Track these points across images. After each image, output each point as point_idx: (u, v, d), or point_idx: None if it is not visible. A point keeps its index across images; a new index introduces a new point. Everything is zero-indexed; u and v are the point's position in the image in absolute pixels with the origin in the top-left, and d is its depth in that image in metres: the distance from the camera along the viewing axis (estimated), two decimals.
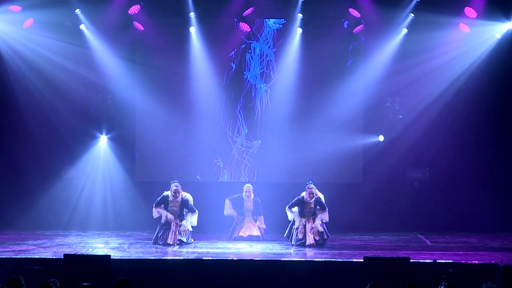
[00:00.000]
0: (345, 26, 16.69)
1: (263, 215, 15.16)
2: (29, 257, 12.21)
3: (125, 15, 16.32)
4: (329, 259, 12.39)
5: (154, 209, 14.55)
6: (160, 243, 14.23)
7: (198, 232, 14.97)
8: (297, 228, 14.35)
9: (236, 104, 17.10)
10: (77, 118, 16.92)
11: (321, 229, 14.27)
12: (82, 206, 17.05)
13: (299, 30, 16.73)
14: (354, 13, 16.38)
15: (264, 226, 15.10)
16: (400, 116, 17.01)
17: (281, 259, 12.63)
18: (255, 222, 15.09)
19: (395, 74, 16.62)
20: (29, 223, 16.60)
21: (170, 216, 14.37)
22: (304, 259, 12.62)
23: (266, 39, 17.04)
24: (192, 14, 16.45)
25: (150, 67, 16.92)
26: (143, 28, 16.67)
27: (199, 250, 13.64)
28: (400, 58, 16.55)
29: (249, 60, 17.08)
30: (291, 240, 14.39)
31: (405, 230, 16.38)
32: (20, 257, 12.18)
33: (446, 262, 11.92)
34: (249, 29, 16.82)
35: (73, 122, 16.90)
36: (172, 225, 14.30)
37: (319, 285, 11.66)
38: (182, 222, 14.43)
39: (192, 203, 14.69)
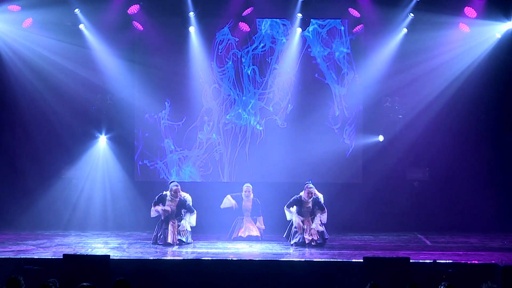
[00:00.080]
0: (344, 26, 16.71)
1: (262, 216, 15.13)
2: (28, 257, 12.18)
3: (124, 15, 16.29)
4: (328, 259, 12.38)
5: (152, 208, 14.51)
6: (160, 243, 14.22)
7: (197, 232, 14.96)
8: (295, 228, 14.34)
9: (237, 103, 17.08)
10: (77, 118, 16.91)
11: (321, 228, 14.25)
12: (81, 206, 17.04)
13: (298, 30, 16.72)
14: (354, 12, 16.37)
15: (263, 227, 15.08)
16: (400, 116, 17.00)
17: (281, 259, 12.61)
18: (255, 223, 15.06)
19: (395, 74, 16.61)
20: (28, 223, 16.59)
21: (167, 208, 14.30)
22: (303, 259, 12.59)
23: (266, 40, 17.01)
24: (191, 14, 16.43)
25: (149, 67, 16.91)
26: (142, 28, 16.65)
27: (199, 250, 13.62)
28: (400, 57, 16.54)
29: (249, 60, 17.06)
30: (290, 240, 14.37)
31: (405, 230, 16.37)
32: (19, 257, 12.16)
33: (446, 262, 11.90)
34: (249, 29, 16.81)
35: (73, 122, 16.89)
36: (170, 225, 14.28)
37: (319, 285, 11.64)
38: (181, 222, 14.41)
39: (191, 204, 14.67)
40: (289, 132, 17.04)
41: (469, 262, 11.98)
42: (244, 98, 17.08)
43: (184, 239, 14.35)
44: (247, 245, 14.31)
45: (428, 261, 11.87)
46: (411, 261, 11.46)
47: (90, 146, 17.13)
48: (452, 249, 13.83)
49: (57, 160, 17.05)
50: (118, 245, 14.15)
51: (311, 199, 14.40)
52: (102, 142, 17.20)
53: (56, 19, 16.11)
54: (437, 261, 11.74)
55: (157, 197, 14.55)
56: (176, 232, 14.30)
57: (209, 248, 13.98)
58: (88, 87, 16.79)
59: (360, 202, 16.81)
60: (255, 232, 14.95)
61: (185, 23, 16.56)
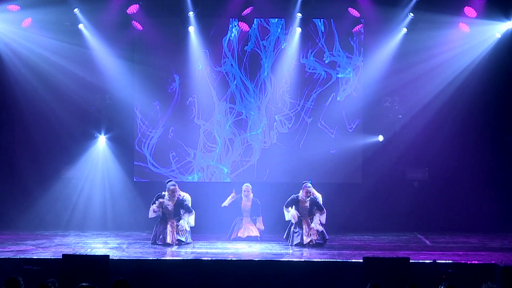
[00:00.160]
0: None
1: (262, 216, 15.11)
2: (27, 257, 12.18)
3: (123, 15, 16.28)
4: (328, 260, 12.36)
5: (151, 207, 14.49)
6: (159, 243, 14.20)
7: (197, 232, 14.95)
8: (294, 228, 14.33)
9: (237, 103, 17.07)
10: (76, 118, 16.90)
11: (320, 228, 14.23)
12: (81, 206, 17.03)
13: (298, 30, 16.71)
14: (354, 12, 16.36)
15: (263, 227, 15.05)
16: (400, 116, 16.98)
17: (280, 259, 12.60)
18: (254, 223, 15.04)
19: (395, 73, 16.60)
20: (28, 223, 16.59)
21: (161, 200, 14.26)
22: (303, 260, 12.59)
23: (265, 40, 17.00)
24: (191, 14, 16.42)
25: (149, 66, 16.89)
26: (142, 28, 16.64)
27: (198, 250, 13.61)
28: (399, 57, 16.52)
29: (249, 60, 17.05)
30: (289, 241, 14.35)
31: (404, 230, 16.35)
32: (18, 257, 12.15)
33: (446, 262, 11.89)
34: (248, 29, 16.80)
35: (72, 122, 16.88)
36: (168, 225, 14.26)
37: (318, 286, 11.62)
38: (180, 222, 14.39)
39: (189, 203, 14.65)
40: (289, 132, 17.02)
41: (469, 262, 11.98)
42: (244, 98, 17.05)
43: (183, 239, 14.33)
44: (247, 245, 14.30)
45: (428, 261, 11.86)
46: (411, 261, 11.47)
47: (90, 146, 17.12)
48: (452, 249, 13.82)
49: (56, 160, 17.04)
50: (118, 245, 14.14)
51: (309, 198, 14.38)
52: (101, 142, 17.18)
53: (56, 19, 16.10)
54: (437, 261, 11.72)
55: (155, 197, 14.53)
56: (175, 232, 14.29)
57: (209, 248, 13.96)
58: (87, 87, 16.78)
59: (360, 202, 16.80)
60: (254, 233, 14.93)
61: (185, 23, 16.56)
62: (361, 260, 11.46)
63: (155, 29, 16.64)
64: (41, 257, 12.22)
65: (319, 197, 14.58)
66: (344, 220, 16.25)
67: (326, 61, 16.98)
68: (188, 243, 14.36)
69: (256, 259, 12.37)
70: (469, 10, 15.90)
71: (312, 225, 14.22)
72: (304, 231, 14.25)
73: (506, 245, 14.44)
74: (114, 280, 8.60)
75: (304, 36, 16.86)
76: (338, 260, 12.33)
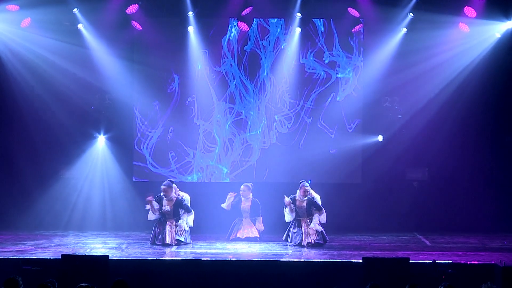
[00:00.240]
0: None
1: (262, 216, 15.10)
2: (27, 257, 12.15)
3: (123, 15, 16.27)
4: (327, 260, 12.33)
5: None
6: (158, 243, 14.18)
7: (196, 233, 14.93)
8: (294, 229, 14.32)
9: (236, 103, 17.06)
10: (75, 118, 16.89)
11: (319, 228, 14.20)
12: (80, 207, 17.02)
13: (298, 30, 16.70)
14: (353, 12, 16.35)
15: (262, 227, 15.03)
16: (399, 116, 16.97)
17: (280, 259, 12.59)
18: (253, 224, 15.01)
19: (395, 73, 16.59)
20: (27, 223, 16.57)
21: (153, 202, 14.29)
22: (302, 260, 12.57)
23: (264, 40, 16.99)
24: (190, 14, 16.41)
25: (148, 66, 16.88)
26: (141, 28, 16.63)
27: (198, 251, 13.60)
28: (399, 57, 16.51)
29: (248, 60, 17.04)
30: (288, 241, 14.32)
31: (404, 231, 16.33)
32: (18, 257, 12.12)
33: (446, 262, 11.87)
34: (248, 29, 16.79)
35: (71, 122, 16.87)
36: (168, 225, 14.25)
37: (318, 286, 11.61)
38: (179, 222, 14.37)
39: (188, 203, 14.63)
40: (288, 132, 17.01)
41: (468, 262, 11.96)
42: (243, 98, 17.03)
43: (182, 239, 14.31)
44: (246, 245, 14.28)
45: (427, 261, 11.83)
46: (410, 261, 11.45)
47: (89, 146, 17.11)
48: (452, 249, 13.81)
49: (56, 160, 17.03)
50: (117, 245, 14.13)
51: (306, 198, 14.34)
52: (100, 142, 17.17)
53: (55, 18, 16.08)
54: (436, 261, 11.71)
55: (154, 198, 14.51)
56: (174, 232, 14.27)
57: (208, 248, 13.95)
58: (86, 87, 16.77)
59: (360, 202, 16.79)
60: (254, 234, 14.90)
61: (184, 22, 16.55)
62: (361, 261, 11.45)
63: (154, 29, 16.63)
64: (40, 257, 12.20)
65: (318, 198, 14.55)
66: (343, 220, 16.23)
67: (326, 61, 16.97)
68: (187, 243, 14.34)
69: (256, 259, 12.36)
70: (469, 10, 15.90)
71: (311, 225, 14.20)
72: (303, 232, 14.23)
73: (506, 246, 14.43)
74: (113, 280, 8.59)
75: (304, 36, 16.85)
76: (337, 260, 12.30)
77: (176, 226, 14.33)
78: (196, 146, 17.09)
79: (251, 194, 15.11)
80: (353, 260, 12.09)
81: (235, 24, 16.85)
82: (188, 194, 14.90)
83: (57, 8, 15.81)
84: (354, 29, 16.71)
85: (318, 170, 16.71)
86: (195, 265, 12.07)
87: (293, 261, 12.50)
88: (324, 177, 16.64)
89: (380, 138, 16.98)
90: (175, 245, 14.14)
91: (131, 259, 12.38)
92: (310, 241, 14.10)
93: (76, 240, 14.98)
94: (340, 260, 12.27)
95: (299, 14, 16.43)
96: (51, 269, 11.47)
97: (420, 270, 11.52)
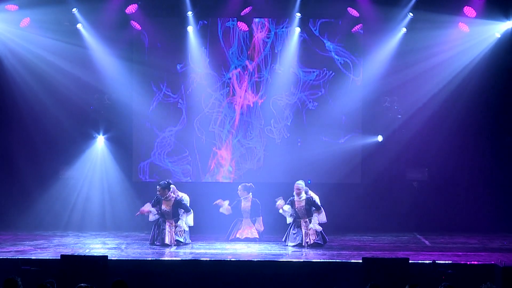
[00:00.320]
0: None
1: (262, 216, 15.08)
2: (26, 257, 12.14)
3: (122, 15, 16.27)
4: (327, 260, 12.32)
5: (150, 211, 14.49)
6: (158, 244, 14.17)
7: (195, 233, 14.92)
8: (293, 229, 14.31)
9: (236, 103, 17.05)
10: (74, 118, 16.87)
11: (319, 228, 14.18)
12: (79, 207, 17.00)
13: (297, 30, 16.69)
14: (353, 12, 16.34)
15: (262, 228, 15.02)
16: (399, 116, 16.96)
17: (279, 260, 12.57)
18: (253, 224, 15.00)
19: (394, 73, 16.59)
20: (26, 224, 16.55)
21: (148, 208, 14.28)
22: (302, 260, 12.55)
23: (264, 40, 16.99)
24: (189, 14, 16.40)
25: (147, 66, 16.87)
26: (140, 28, 16.62)
27: (197, 251, 13.58)
28: (399, 57, 16.51)
29: (248, 59, 17.03)
30: (288, 242, 14.30)
31: (404, 231, 16.32)
32: (17, 257, 12.11)
33: (445, 263, 11.85)
34: (247, 29, 16.78)
35: (70, 122, 16.84)
36: (167, 225, 14.23)
37: (318, 286, 11.60)
38: (178, 223, 14.36)
39: (187, 203, 14.61)
40: (289, 132, 17.00)
41: (468, 262, 11.95)
42: (244, 98, 17.02)
43: (181, 240, 14.30)
44: (246, 245, 14.27)
45: (427, 261, 11.82)
46: (410, 261, 11.44)
47: (88, 146, 17.09)
48: (452, 249, 13.80)
49: (55, 160, 17.01)
50: (116, 246, 14.12)
51: (302, 198, 14.30)
52: (100, 143, 17.16)
53: (54, 18, 16.08)
54: (436, 261, 11.70)
55: (153, 200, 14.49)
56: (173, 233, 14.25)
57: (207, 248, 13.93)
58: (85, 87, 16.75)
59: (359, 203, 16.79)
60: (253, 235, 14.87)
61: (183, 22, 16.54)
62: (360, 261, 11.44)
63: (154, 29, 16.62)
64: (39, 258, 12.19)
65: (316, 199, 14.53)
66: (343, 220, 16.22)
67: (325, 61, 16.95)
68: (186, 244, 14.32)
69: (255, 260, 12.34)
70: (468, 10, 15.91)
71: (311, 225, 14.18)
72: (303, 232, 14.21)
73: (505, 246, 14.42)
74: (113, 280, 8.59)
75: (303, 36, 16.83)
76: (337, 260, 12.29)
77: (176, 226, 14.31)
78: (196, 146, 17.07)
79: (250, 194, 15.09)
80: (352, 261, 12.08)
81: (234, 24, 16.83)
82: (188, 195, 14.89)
83: (56, 8, 15.81)
84: (354, 29, 16.70)
85: (318, 170, 16.69)
86: (194, 266, 12.06)
87: (293, 261, 12.47)
88: (324, 177, 16.63)
89: (380, 138, 16.97)
90: (174, 245, 14.13)
91: (131, 260, 12.36)
92: (309, 241, 14.08)
93: (75, 240, 14.97)
94: (340, 261, 12.25)
95: (298, 14, 16.43)
96: (51, 269, 11.46)
97: (420, 271, 11.52)
